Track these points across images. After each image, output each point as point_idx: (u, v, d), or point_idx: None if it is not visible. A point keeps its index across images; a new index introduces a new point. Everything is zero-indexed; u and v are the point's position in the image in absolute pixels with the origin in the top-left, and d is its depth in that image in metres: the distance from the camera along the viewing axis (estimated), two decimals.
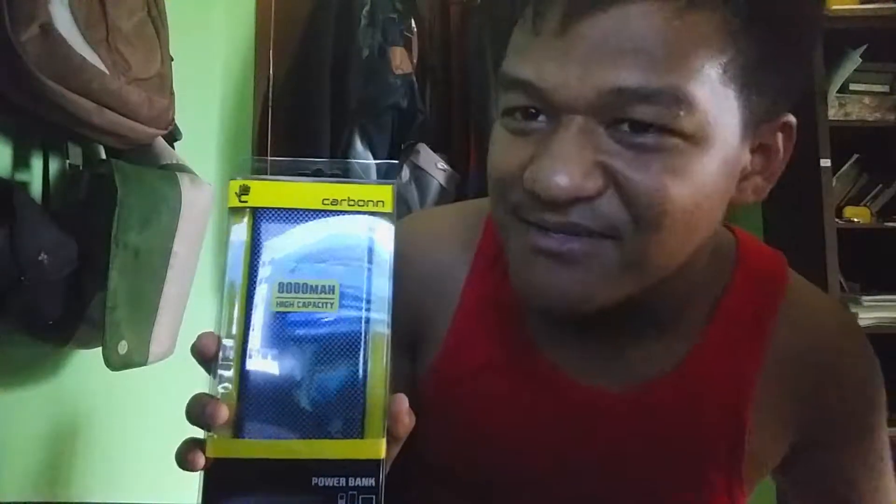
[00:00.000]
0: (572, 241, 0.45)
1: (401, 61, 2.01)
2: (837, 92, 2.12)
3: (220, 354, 0.42)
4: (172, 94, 1.32)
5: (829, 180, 2.04)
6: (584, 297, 0.46)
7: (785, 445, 0.59)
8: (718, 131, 0.44)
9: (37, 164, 1.21)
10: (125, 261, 1.15)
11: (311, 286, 0.43)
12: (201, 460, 0.40)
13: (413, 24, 2.11)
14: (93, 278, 1.14)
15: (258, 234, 0.44)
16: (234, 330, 0.42)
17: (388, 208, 0.45)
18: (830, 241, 2.00)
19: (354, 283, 0.44)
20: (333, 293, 0.43)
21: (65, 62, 1.02)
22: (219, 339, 0.42)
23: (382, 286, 0.44)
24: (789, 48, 0.46)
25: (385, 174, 0.46)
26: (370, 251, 0.44)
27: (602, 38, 0.42)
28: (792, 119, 0.50)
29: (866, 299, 2.04)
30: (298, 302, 0.43)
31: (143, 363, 1.25)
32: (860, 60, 2.09)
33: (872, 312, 2.03)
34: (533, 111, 0.47)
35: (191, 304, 1.47)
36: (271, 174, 0.45)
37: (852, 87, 2.15)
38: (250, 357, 0.42)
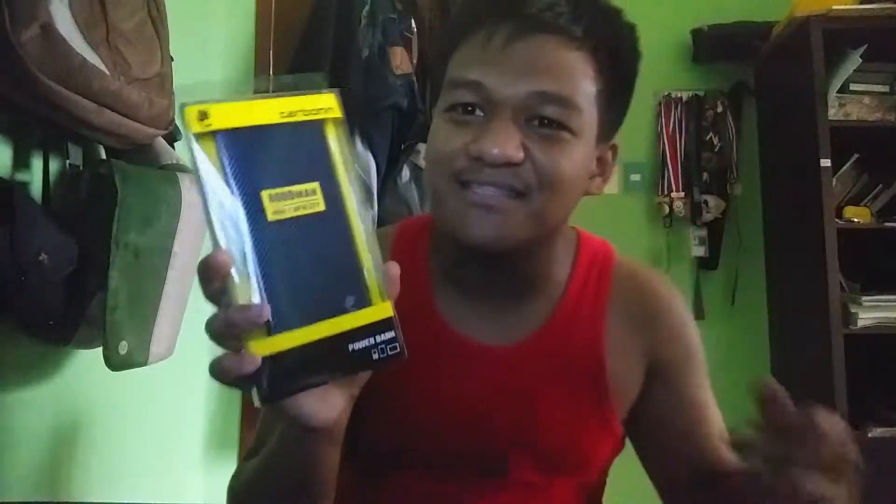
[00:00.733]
0: (498, 197, 0.65)
1: (401, 61, 2.01)
2: (837, 92, 2.12)
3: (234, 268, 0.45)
4: (172, 94, 1.32)
5: (829, 180, 2.04)
6: (501, 237, 0.66)
7: (641, 374, 0.77)
8: (587, 134, 0.68)
9: (37, 164, 1.21)
10: (125, 261, 1.15)
11: (297, 192, 0.48)
12: (249, 362, 0.45)
13: (413, 24, 2.11)
14: (93, 278, 1.14)
15: (231, 154, 0.46)
16: (245, 242, 0.46)
17: (338, 113, 0.51)
18: (830, 241, 2.00)
19: (329, 181, 0.50)
20: (316, 194, 0.49)
21: (65, 62, 1.02)
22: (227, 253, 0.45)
23: (350, 178, 0.51)
24: (621, 90, 0.71)
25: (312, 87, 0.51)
26: (332, 151, 0.50)
27: (530, 56, 0.64)
28: (617, 143, 0.75)
29: (866, 299, 2.03)
30: (290, 207, 0.48)
31: (144, 363, 1.25)
32: (860, 60, 2.09)
33: (872, 312, 2.02)
34: (470, 108, 0.66)
35: (191, 303, 1.47)
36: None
37: (852, 87, 2.14)
38: (262, 264, 0.46)
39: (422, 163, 2.00)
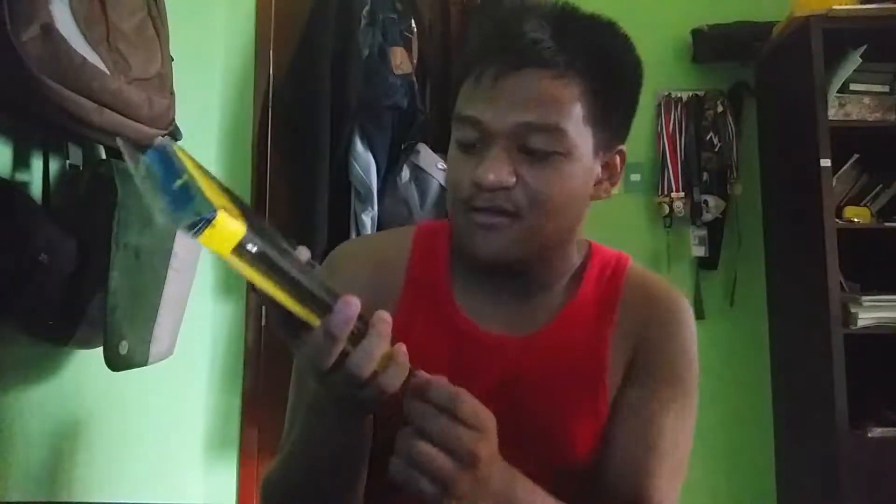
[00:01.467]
0: (496, 218, 0.73)
1: (401, 61, 2.01)
2: (837, 92, 2.12)
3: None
4: (173, 93, 1.32)
5: (829, 180, 2.04)
6: (502, 253, 0.74)
7: (623, 365, 0.79)
8: (580, 152, 0.73)
9: (37, 164, 1.21)
10: (126, 261, 1.15)
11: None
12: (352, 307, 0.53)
13: (413, 24, 2.11)
14: (93, 278, 1.14)
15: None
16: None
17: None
18: (830, 241, 2.00)
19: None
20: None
21: (65, 62, 1.02)
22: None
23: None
24: (617, 103, 0.76)
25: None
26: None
27: (516, 90, 0.71)
28: (624, 148, 0.79)
29: (866, 299, 2.03)
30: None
31: (144, 363, 1.26)
32: (860, 60, 2.09)
33: (872, 312, 2.02)
34: (471, 140, 0.74)
35: (191, 304, 1.47)
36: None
37: (852, 87, 2.14)
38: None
39: (421, 163, 2.00)
